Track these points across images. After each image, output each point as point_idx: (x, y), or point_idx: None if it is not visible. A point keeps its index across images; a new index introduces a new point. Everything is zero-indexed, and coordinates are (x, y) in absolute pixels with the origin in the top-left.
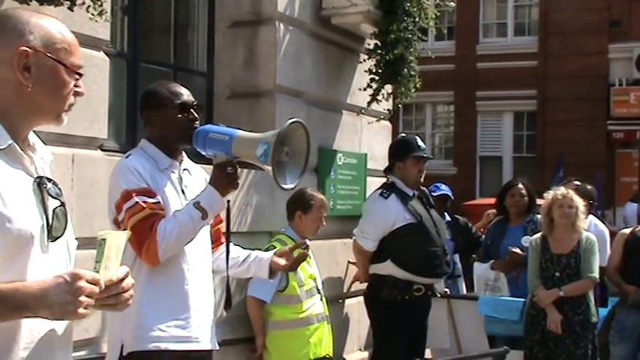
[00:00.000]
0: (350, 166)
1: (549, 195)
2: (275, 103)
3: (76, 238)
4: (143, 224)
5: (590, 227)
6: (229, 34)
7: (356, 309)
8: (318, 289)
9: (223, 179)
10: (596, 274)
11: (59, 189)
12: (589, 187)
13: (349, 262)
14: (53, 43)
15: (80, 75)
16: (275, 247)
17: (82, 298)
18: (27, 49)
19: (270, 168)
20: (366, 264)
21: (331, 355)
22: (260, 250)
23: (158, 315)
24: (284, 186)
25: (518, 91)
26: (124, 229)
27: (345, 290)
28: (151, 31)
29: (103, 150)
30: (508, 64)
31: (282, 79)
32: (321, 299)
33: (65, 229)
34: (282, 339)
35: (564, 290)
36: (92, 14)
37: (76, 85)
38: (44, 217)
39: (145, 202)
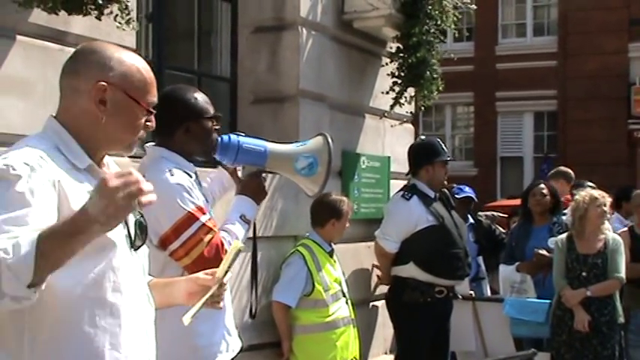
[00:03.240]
0: (373, 169)
1: (584, 195)
2: (298, 108)
3: None
4: (213, 247)
5: None
6: (252, 40)
7: (381, 312)
8: (343, 293)
9: (261, 189)
10: (622, 274)
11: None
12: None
13: (373, 265)
14: (131, 80)
15: (152, 112)
16: (300, 252)
17: (120, 195)
18: (105, 84)
19: (302, 179)
20: (387, 266)
21: (358, 358)
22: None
23: (212, 330)
24: (310, 194)
25: (538, 91)
26: (186, 252)
27: (370, 293)
28: (175, 38)
29: (130, 157)
30: (527, 64)
31: (305, 84)
32: (347, 303)
33: (145, 239)
34: (309, 343)
35: (591, 290)
36: (120, 23)
37: (147, 120)
38: (126, 228)
39: (208, 221)
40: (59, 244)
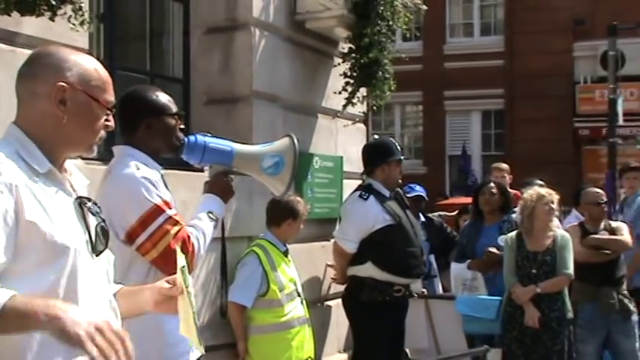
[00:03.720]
0: (326, 169)
1: (532, 193)
2: (252, 109)
3: None
4: (180, 240)
5: None
6: (205, 40)
7: (335, 311)
8: (298, 293)
9: (229, 188)
10: (571, 270)
11: (99, 207)
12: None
13: (327, 264)
14: (89, 80)
15: (111, 110)
16: (255, 252)
17: (97, 341)
18: (64, 84)
19: (269, 178)
20: (344, 266)
21: (313, 357)
22: (240, 255)
23: (178, 329)
24: (277, 193)
25: (485, 90)
26: (153, 244)
27: (323, 293)
28: (127, 38)
29: (82, 159)
30: (475, 63)
31: (258, 85)
32: (302, 302)
33: (107, 244)
34: (264, 343)
35: (541, 287)
36: (73, 24)
37: (106, 120)
38: (87, 233)
39: (174, 215)
40: (19, 322)
